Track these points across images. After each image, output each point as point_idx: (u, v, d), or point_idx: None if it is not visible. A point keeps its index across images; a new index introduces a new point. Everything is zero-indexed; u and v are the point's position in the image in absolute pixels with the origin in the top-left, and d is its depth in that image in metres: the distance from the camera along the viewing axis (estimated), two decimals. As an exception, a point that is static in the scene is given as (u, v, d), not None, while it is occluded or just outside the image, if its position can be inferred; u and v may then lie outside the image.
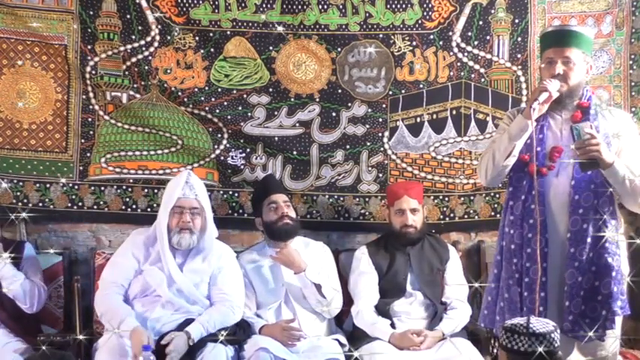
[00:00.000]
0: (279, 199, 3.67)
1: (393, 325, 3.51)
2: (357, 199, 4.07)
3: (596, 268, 2.72)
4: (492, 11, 3.93)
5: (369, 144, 4.04)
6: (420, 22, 3.95)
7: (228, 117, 4.01)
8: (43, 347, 3.13)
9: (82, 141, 3.97)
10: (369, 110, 4.02)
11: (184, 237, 3.35)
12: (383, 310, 3.56)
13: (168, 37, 3.93)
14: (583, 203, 2.73)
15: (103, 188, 3.99)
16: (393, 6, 3.94)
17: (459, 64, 3.98)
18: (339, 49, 3.98)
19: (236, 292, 3.44)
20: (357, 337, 3.53)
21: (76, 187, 3.98)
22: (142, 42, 3.93)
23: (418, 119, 4.04)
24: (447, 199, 4.07)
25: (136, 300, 3.34)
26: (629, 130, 2.85)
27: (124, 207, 3.99)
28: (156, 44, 3.93)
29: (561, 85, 2.77)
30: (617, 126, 2.82)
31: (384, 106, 4.03)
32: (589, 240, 2.71)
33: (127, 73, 3.95)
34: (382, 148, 4.05)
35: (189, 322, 3.24)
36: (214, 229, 3.51)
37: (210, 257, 3.44)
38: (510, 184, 2.91)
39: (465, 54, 3.97)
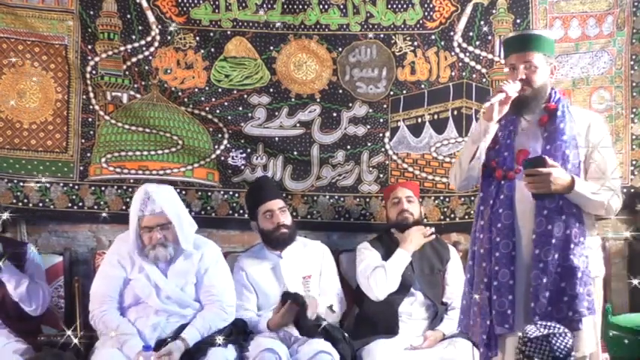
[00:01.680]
0: (275, 206, 3.62)
1: (396, 327, 3.50)
2: (358, 200, 4.06)
3: (561, 270, 2.71)
4: (494, 11, 3.93)
5: (369, 144, 4.03)
6: (421, 22, 3.95)
7: (229, 117, 4.00)
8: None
9: (83, 141, 3.97)
10: (370, 110, 4.02)
11: (160, 251, 3.28)
12: (389, 310, 3.53)
13: (168, 37, 3.92)
14: (547, 204, 2.73)
15: (103, 188, 3.99)
16: (394, 6, 3.94)
17: (460, 64, 3.98)
18: (340, 49, 3.98)
19: (224, 290, 3.38)
20: (357, 338, 3.52)
21: (77, 187, 3.98)
22: (143, 42, 3.93)
23: (419, 119, 4.03)
24: (447, 199, 4.06)
25: (130, 309, 3.31)
26: (598, 131, 2.83)
27: (124, 207, 3.96)
28: (156, 44, 3.93)
29: (525, 88, 2.77)
30: (586, 127, 2.81)
31: (385, 106, 4.02)
32: (554, 241, 2.70)
33: (127, 73, 3.95)
34: (383, 149, 4.04)
35: (184, 327, 3.23)
36: (190, 228, 3.38)
37: (192, 255, 3.37)
38: (481, 190, 2.93)
39: (467, 54, 3.97)
